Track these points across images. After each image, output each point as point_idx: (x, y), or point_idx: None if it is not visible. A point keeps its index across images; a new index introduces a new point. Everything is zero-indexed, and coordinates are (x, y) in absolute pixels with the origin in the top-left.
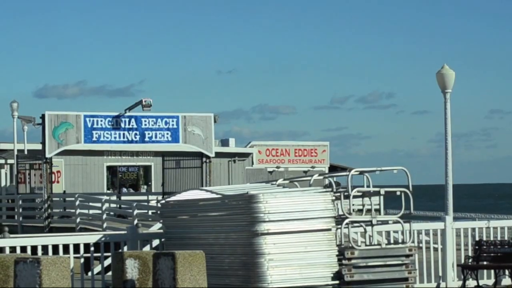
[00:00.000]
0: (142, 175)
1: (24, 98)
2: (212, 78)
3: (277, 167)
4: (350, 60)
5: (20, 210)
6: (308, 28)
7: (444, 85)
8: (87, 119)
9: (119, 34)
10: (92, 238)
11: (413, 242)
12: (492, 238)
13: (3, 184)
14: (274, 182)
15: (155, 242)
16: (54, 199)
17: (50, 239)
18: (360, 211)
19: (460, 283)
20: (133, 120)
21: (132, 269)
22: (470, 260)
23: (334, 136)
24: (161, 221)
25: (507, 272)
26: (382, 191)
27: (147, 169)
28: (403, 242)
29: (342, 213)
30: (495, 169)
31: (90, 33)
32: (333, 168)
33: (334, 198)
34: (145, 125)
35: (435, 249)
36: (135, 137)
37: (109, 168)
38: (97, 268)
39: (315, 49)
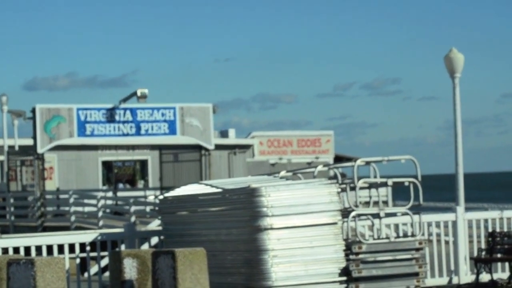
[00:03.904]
0: (138, 170)
1: (13, 91)
2: (209, 67)
3: (280, 159)
4: (353, 45)
5: (12, 209)
6: (309, 13)
7: (453, 69)
8: (80, 112)
9: (110, 22)
10: (88, 237)
11: (423, 234)
12: (505, 229)
13: None
14: (276, 175)
15: (154, 240)
16: (47, 196)
17: (44, 239)
18: (367, 203)
19: (473, 277)
20: (128, 112)
21: (130, 268)
22: (483, 253)
23: (338, 125)
24: (160, 217)
25: None
26: (390, 181)
27: (143, 163)
28: (412, 235)
29: (349, 205)
30: (507, 156)
31: (80, 21)
32: (338, 159)
33: (339, 190)
34: (141, 117)
35: (446, 242)
36: (131, 130)
37: (105, 163)
38: (94, 269)
39: (317, 35)
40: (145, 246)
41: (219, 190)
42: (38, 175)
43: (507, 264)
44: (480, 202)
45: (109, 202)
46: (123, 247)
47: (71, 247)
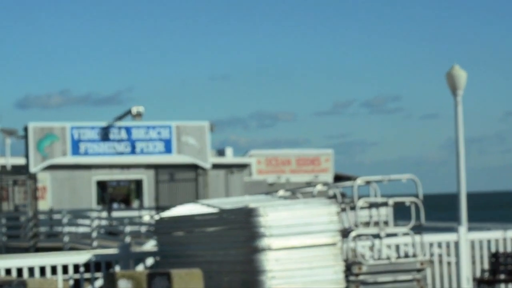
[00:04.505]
0: (133, 190)
1: (5, 109)
2: (205, 84)
3: (278, 178)
4: (352, 62)
5: (4, 229)
6: (307, 28)
7: (455, 86)
8: (74, 130)
9: (105, 38)
10: (81, 258)
11: (424, 255)
12: (509, 250)
13: None
14: (275, 194)
15: (149, 261)
16: (40, 217)
17: (36, 260)
18: (368, 223)
19: None
20: (123, 130)
21: None
22: (487, 274)
23: (337, 143)
24: (155, 238)
25: None
26: (390, 201)
27: (138, 183)
28: (414, 256)
29: (348, 226)
30: (511, 176)
31: (73, 39)
32: (337, 178)
33: (339, 210)
34: (136, 135)
35: (449, 263)
36: (126, 149)
37: (99, 182)
38: None
39: (315, 51)
40: (140, 267)
41: (216, 210)
42: (31, 195)
43: (510, 285)
44: (483, 222)
45: (104, 222)
46: (117, 268)
47: (65, 268)
